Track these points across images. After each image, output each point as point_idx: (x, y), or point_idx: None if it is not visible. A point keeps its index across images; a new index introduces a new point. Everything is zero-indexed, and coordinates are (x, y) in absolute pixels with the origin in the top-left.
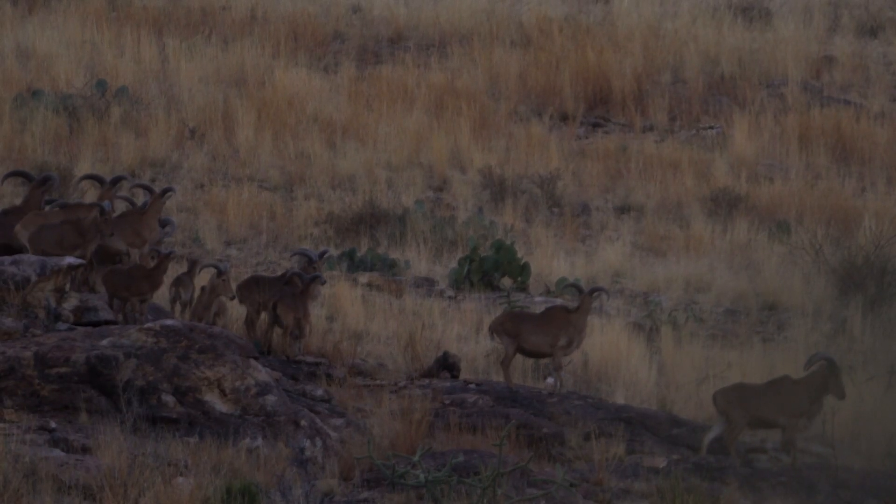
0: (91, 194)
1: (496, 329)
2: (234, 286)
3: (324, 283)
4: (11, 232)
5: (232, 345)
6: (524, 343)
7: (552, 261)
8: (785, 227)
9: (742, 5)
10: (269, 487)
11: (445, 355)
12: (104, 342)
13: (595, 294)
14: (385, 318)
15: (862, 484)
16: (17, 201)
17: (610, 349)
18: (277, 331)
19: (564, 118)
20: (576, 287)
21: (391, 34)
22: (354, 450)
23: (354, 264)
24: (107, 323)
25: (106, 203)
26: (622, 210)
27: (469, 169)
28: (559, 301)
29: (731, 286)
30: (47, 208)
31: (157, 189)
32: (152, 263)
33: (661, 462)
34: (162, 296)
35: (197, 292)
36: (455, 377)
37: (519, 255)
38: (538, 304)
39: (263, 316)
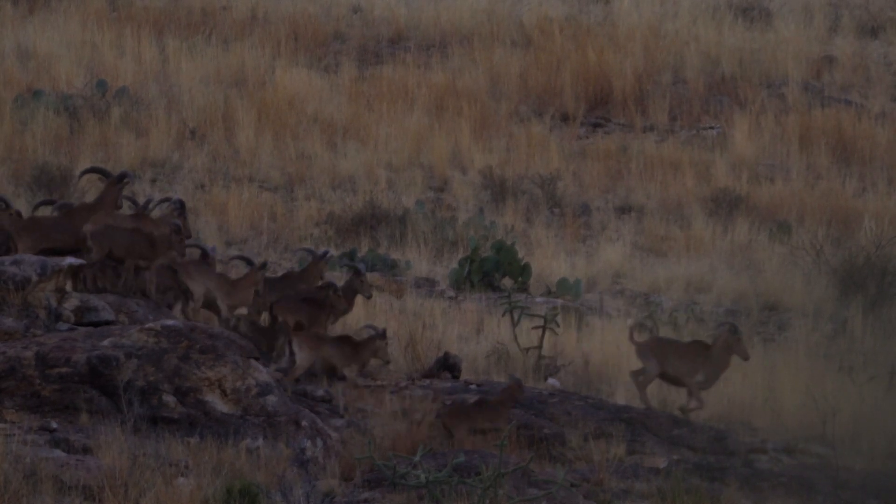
0: (90, 194)
1: (644, 351)
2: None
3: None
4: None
5: (233, 345)
6: (668, 368)
7: (553, 261)
8: (785, 227)
9: (742, 5)
10: (269, 488)
11: (446, 356)
12: (105, 342)
13: (731, 331)
14: (386, 318)
15: (862, 484)
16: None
17: (610, 349)
18: None
19: (565, 118)
20: (726, 325)
21: (392, 34)
22: (355, 450)
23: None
24: (107, 323)
25: (175, 221)
26: (623, 210)
27: (470, 169)
28: (560, 301)
29: (731, 286)
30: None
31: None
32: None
33: (661, 462)
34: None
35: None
36: (456, 377)
37: (520, 255)
38: (539, 305)
39: (264, 316)
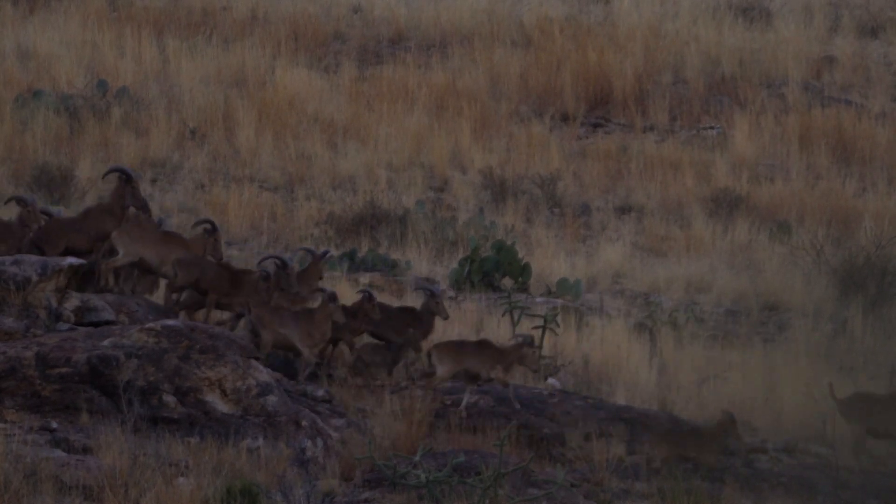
0: (91, 195)
1: (846, 409)
2: None
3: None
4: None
5: (233, 345)
6: (877, 425)
7: (553, 261)
8: (786, 227)
9: (742, 5)
10: (270, 488)
11: None
12: (105, 342)
13: None
14: None
15: (862, 484)
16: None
17: (610, 349)
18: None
19: (565, 118)
20: None
21: (392, 34)
22: (355, 450)
23: (355, 265)
24: (108, 323)
25: (265, 269)
26: (623, 210)
27: (470, 169)
28: (560, 301)
29: (731, 286)
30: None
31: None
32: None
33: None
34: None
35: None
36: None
37: (520, 255)
38: (539, 305)
39: None
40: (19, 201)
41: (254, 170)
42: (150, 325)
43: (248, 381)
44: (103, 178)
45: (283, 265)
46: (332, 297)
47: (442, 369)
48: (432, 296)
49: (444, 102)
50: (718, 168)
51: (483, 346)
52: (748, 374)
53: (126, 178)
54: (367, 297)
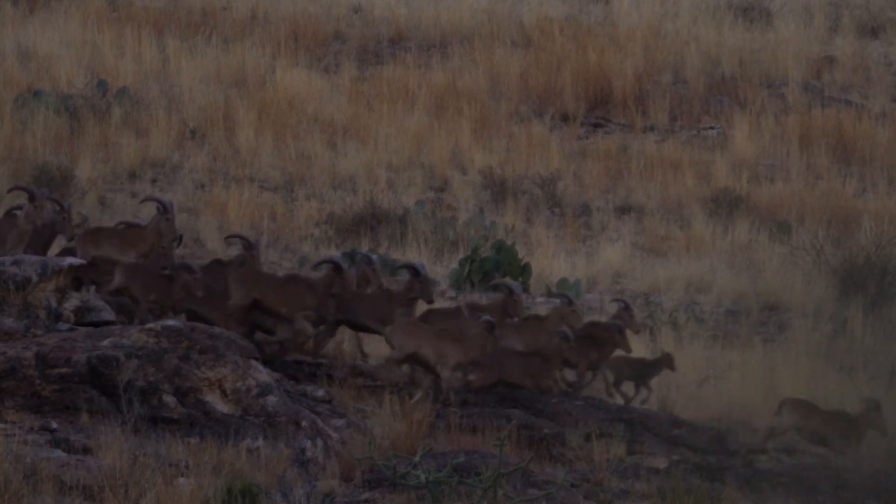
0: (91, 195)
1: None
2: None
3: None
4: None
5: (233, 345)
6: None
7: (553, 261)
8: (786, 227)
9: (742, 5)
10: (269, 488)
11: None
12: (105, 342)
13: None
14: None
15: (862, 484)
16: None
17: None
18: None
19: (565, 118)
20: None
21: (392, 34)
22: (355, 450)
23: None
24: (108, 323)
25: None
26: (623, 210)
27: (470, 169)
28: (559, 302)
29: (731, 287)
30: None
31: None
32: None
33: (661, 462)
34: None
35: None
36: None
37: (520, 255)
38: (539, 305)
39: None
40: (30, 195)
41: (254, 170)
42: (150, 325)
43: (248, 381)
44: (314, 267)
45: (415, 273)
46: (570, 301)
47: (786, 420)
48: (626, 308)
49: (444, 102)
50: (718, 168)
51: (838, 415)
52: (748, 374)
53: (337, 269)
54: (510, 290)
